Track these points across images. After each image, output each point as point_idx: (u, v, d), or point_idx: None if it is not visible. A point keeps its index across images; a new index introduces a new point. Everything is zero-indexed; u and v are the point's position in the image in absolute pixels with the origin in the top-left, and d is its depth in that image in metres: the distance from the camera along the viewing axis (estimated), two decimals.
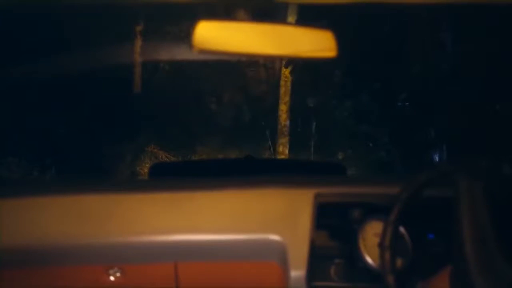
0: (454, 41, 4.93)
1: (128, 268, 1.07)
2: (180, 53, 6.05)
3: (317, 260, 1.03)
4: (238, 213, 1.07)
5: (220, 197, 1.09)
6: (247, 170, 1.37)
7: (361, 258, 0.99)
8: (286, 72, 5.89)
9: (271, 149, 6.55)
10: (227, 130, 6.19)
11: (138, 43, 6.36)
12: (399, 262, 0.96)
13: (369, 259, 0.98)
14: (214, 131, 6.17)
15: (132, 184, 1.35)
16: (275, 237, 1.04)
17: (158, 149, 6.04)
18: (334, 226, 1.08)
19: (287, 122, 6.60)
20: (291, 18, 5.46)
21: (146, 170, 5.70)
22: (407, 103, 5.11)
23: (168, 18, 6.14)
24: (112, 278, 1.07)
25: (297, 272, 1.01)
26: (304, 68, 5.63)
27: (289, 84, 5.99)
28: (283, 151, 6.67)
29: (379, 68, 5.03)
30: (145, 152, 6.00)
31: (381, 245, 0.91)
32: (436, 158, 4.94)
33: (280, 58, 5.70)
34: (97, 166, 5.23)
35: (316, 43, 1.10)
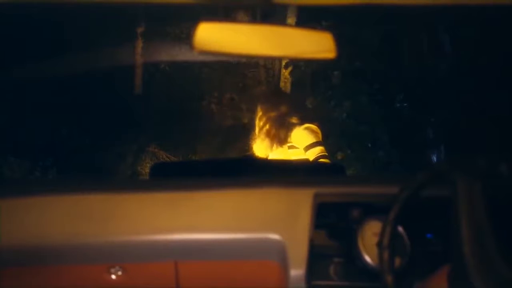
0: (452, 42, 4.94)
1: (129, 267, 1.08)
2: (180, 54, 6.05)
3: (316, 259, 1.04)
4: (238, 213, 1.07)
5: (220, 196, 1.10)
6: (247, 170, 1.37)
7: (360, 258, 1.00)
8: (286, 73, 5.90)
9: None
10: (227, 130, 6.19)
11: (139, 44, 6.35)
12: (397, 261, 0.97)
13: (368, 259, 0.99)
14: (214, 131, 6.17)
15: (133, 183, 1.36)
16: (274, 236, 1.04)
17: (158, 149, 6.04)
18: (333, 226, 1.08)
19: None
20: (290, 20, 5.46)
21: (147, 170, 5.71)
22: (405, 104, 5.11)
23: (169, 19, 6.14)
24: (113, 277, 1.08)
25: (297, 271, 1.02)
26: (303, 69, 5.64)
27: (288, 85, 6.00)
28: None
29: (378, 69, 5.03)
30: (146, 152, 6.00)
31: (379, 245, 0.92)
32: (435, 158, 4.95)
33: (279, 59, 5.71)
34: (98, 166, 5.23)
35: (315, 45, 1.11)
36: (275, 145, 2.52)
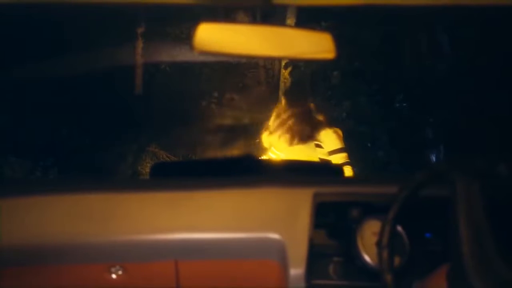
0: (451, 42, 4.94)
1: (129, 267, 1.08)
2: (181, 55, 6.06)
3: (316, 259, 1.04)
4: (238, 212, 1.08)
5: (220, 196, 1.10)
6: (247, 170, 1.38)
7: (359, 257, 1.00)
8: (285, 73, 5.92)
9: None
10: (227, 130, 6.20)
11: (139, 44, 6.37)
12: (396, 260, 0.97)
13: (367, 258, 0.99)
14: (214, 131, 6.18)
15: (134, 183, 1.36)
16: (274, 235, 1.05)
17: (159, 149, 6.05)
18: (332, 225, 1.09)
19: None
20: (290, 21, 5.47)
21: (147, 169, 5.72)
22: (405, 104, 5.12)
23: (169, 20, 6.15)
24: (114, 276, 1.09)
25: (296, 270, 1.02)
26: (303, 69, 5.65)
27: (288, 85, 6.01)
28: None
29: (377, 69, 5.04)
30: (146, 152, 6.02)
31: (379, 244, 0.92)
32: (434, 158, 4.95)
33: (279, 60, 5.71)
34: (98, 166, 5.24)
35: (315, 45, 1.11)
36: (296, 140, 2.49)
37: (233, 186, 1.12)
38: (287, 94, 2.65)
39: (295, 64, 5.51)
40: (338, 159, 2.44)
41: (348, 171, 2.46)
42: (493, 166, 0.87)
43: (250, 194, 1.11)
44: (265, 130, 2.61)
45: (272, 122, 2.57)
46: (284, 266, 1.04)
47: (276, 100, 6.28)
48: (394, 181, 1.00)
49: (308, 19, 5.18)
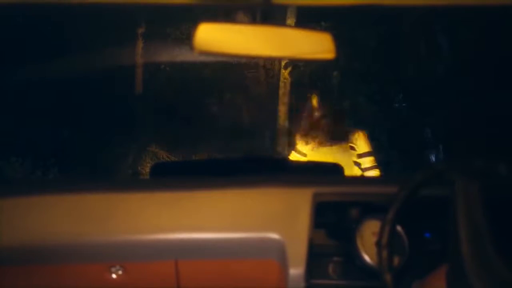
0: (450, 43, 4.95)
1: (130, 266, 1.09)
2: (181, 55, 6.07)
3: (315, 258, 1.05)
4: (238, 212, 1.08)
5: (220, 196, 1.10)
6: (247, 169, 1.38)
7: (359, 257, 1.00)
8: (285, 73, 5.92)
9: (271, 149, 6.58)
10: (227, 131, 6.20)
11: (140, 45, 6.38)
12: (396, 260, 0.97)
13: (366, 258, 0.99)
14: (215, 131, 6.19)
15: (134, 183, 1.37)
16: (274, 235, 1.05)
17: (159, 149, 6.06)
18: (332, 225, 1.09)
19: (286, 123, 6.63)
20: (290, 21, 5.48)
21: (147, 169, 5.73)
22: (404, 104, 5.13)
23: (169, 21, 6.16)
24: (114, 276, 1.09)
25: (296, 270, 1.02)
26: (302, 69, 5.66)
27: (288, 85, 6.02)
28: (282, 151, 6.69)
29: (376, 70, 5.05)
30: (146, 152, 6.03)
31: (378, 244, 0.92)
32: (434, 158, 4.96)
33: (279, 60, 5.72)
34: (99, 166, 5.25)
35: (315, 45, 1.11)
36: (331, 141, 2.41)
37: (233, 186, 1.12)
38: (319, 93, 2.58)
39: (295, 64, 5.51)
40: (367, 162, 2.41)
41: (376, 175, 2.40)
42: (493, 166, 0.87)
43: (250, 193, 1.11)
44: (298, 130, 2.50)
45: (304, 122, 2.47)
46: (284, 266, 1.04)
47: (276, 100, 6.30)
48: (393, 181, 1.00)
49: (308, 19, 5.18)
